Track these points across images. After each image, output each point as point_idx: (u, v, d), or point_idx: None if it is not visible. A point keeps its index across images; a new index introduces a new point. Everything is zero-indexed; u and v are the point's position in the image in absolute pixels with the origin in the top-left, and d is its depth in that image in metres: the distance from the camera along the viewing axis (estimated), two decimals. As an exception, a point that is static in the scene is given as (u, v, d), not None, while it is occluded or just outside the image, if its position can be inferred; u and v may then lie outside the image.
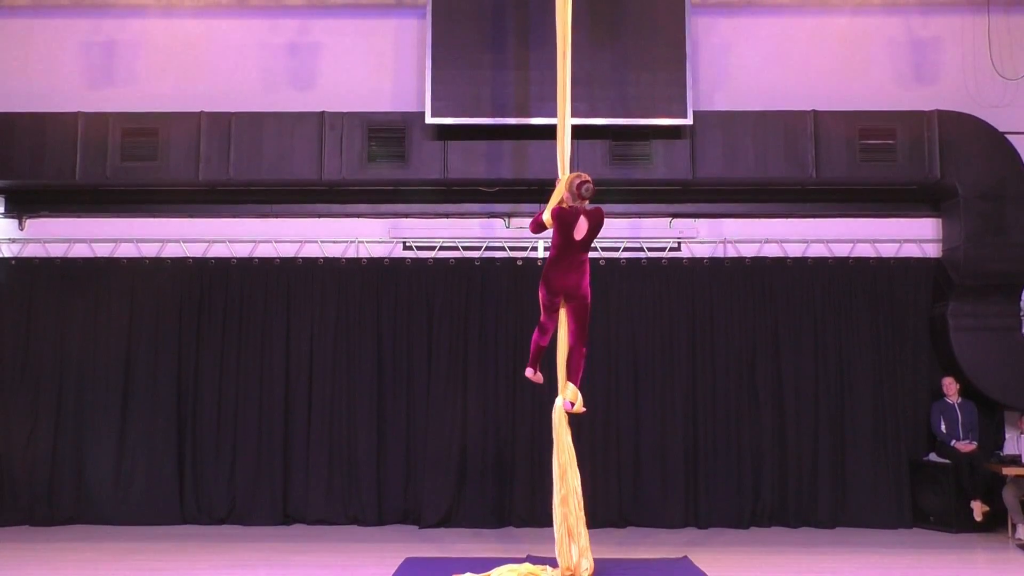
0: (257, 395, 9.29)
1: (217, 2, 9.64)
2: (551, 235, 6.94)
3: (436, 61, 8.75)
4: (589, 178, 6.83)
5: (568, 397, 6.97)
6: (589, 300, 6.92)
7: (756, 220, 9.65)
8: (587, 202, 6.83)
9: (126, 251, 9.60)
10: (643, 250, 9.57)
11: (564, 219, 6.80)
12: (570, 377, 7.00)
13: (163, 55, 9.65)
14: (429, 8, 8.81)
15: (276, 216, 9.66)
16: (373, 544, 8.36)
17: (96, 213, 9.63)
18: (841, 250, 9.57)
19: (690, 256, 9.59)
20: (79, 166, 9.02)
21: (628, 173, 9.00)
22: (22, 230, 9.70)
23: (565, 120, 7.19)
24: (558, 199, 6.93)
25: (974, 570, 7.71)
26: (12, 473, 9.14)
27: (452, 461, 9.13)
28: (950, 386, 9.04)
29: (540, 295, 6.94)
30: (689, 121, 8.79)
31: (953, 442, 8.87)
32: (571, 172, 6.99)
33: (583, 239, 6.82)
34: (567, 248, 6.83)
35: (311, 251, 9.62)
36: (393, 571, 7.19)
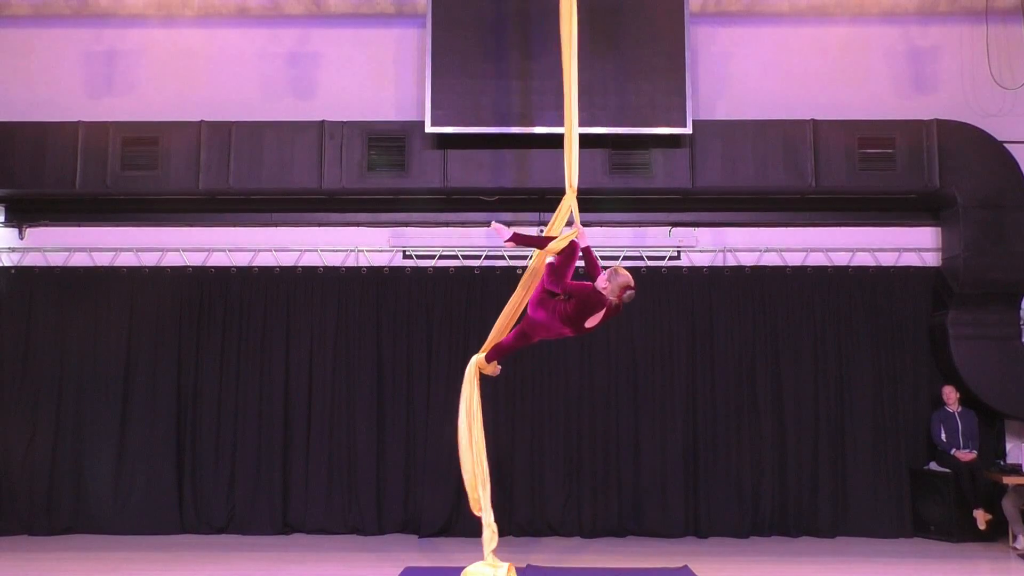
0: (257, 404, 9.28)
1: (217, 11, 9.66)
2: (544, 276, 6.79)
3: (436, 70, 8.77)
4: (634, 286, 6.59)
5: (488, 371, 7.12)
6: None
7: (755, 229, 9.66)
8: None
9: (126, 260, 9.60)
10: (642, 259, 9.57)
11: (591, 303, 6.53)
12: (492, 354, 7.04)
13: (163, 64, 9.68)
14: (429, 17, 8.84)
15: (276, 225, 9.67)
16: (373, 553, 8.34)
17: (96, 222, 9.63)
18: (840, 259, 9.58)
19: (689, 265, 9.60)
20: (79, 175, 9.04)
21: (627, 182, 9.02)
22: (22, 239, 9.70)
23: (572, 130, 7.19)
24: (562, 244, 6.77)
25: (975, 580, 7.72)
26: (11, 482, 9.12)
27: (452, 470, 9.07)
28: (950, 395, 9.03)
29: (513, 339, 6.91)
30: (688, 130, 8.81)
31: (953, 451, 8.87)
32: (619, 273, 6.57)
33: (590, 328, 6.68)
34: (568, 323, 6.67)
35: (311, 260, 9.63)
36: (393, 581, 7.20)
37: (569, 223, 7.13)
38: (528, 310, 6.89)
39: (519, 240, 7.11)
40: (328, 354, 9.37)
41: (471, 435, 7.02)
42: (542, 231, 9.33)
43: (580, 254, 6.80)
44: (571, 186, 7.19)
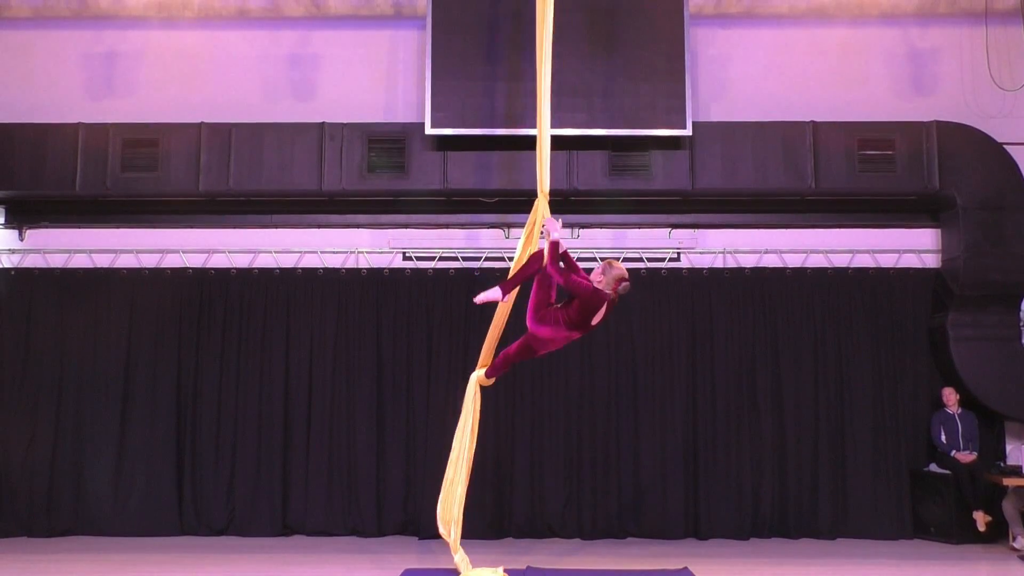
0: (256, 405, 9.28)
1: (218, 13, 9.67)
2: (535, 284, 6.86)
3: (436, 72, 8.77)
4: (628, 277, 6.73)
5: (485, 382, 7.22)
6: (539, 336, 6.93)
7: (755, 231, 9.66)
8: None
9: (126, 261, 9.61)
10: (642, 260, 9.56)
11: (593, 303, 6.63)
12: (492, 371, 7.13)
13: (164, 66, 9.69)
14: (429, 19, 8.84)
15: (276, 227, 9.67)
16: (372, 555, 8.34)
17: (96, 224, 9.63)
18: (840, 260, 9.58)
19: (689, 266, 9.60)
20: (79, 177, 9.04)
21: (627, 184, 9.02)
22: (22, 241, 9.71)
23: (544, 132, 7.23)
24: (549, 258, 6.80)
25: (975, 581, 7.72)
26: (11, 483, 9.12)
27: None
28: (950, 396, 9.03)
29: (515, 351, 6.96)
30: (688, 132, 8.81)
31: (953, 452, 8.86)
32: (613, 266, 6.76)
33: (596, 324, 6.76)
34: (574, 327, 6.72)
35: (311, 261, 9.63)
36: (392, 582, 7.20)
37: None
38: (529, 328, 6.87)
39: (513, 284, 7.02)
40: (328, 356, 9.37)
41: (457, 469, 7.19)
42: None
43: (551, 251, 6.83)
44: (542, 191, 7.18)
